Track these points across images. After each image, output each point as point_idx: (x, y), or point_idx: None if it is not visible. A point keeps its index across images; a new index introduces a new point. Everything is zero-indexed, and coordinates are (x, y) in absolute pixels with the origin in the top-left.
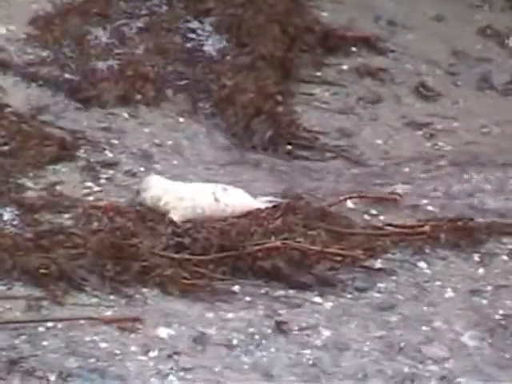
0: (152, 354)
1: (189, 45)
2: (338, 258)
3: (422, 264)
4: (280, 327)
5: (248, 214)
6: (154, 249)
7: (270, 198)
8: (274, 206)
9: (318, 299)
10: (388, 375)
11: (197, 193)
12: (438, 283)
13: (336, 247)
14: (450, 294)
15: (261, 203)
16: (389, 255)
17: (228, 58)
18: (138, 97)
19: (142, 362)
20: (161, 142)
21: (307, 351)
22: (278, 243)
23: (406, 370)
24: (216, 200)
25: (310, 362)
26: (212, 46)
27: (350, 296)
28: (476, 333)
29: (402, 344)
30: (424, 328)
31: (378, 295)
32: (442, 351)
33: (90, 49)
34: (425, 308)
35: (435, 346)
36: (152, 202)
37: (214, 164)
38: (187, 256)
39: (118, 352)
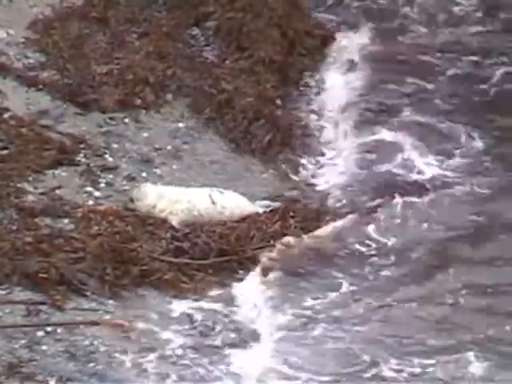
0: (151, 357)
1: (188, 50)
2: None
3: None
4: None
5: (246, 218)
6: (154, 253)
7: (267, 202)
8: (272, 210)
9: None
10: None
11: (193, 196)
12: None
13: None
14: None
15: (258, 207)
16: None
17: (227, 62)
18: (138, 101)
19: (142, 366)
20: (160, 146)
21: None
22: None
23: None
24: (213, 203)
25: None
26: (211, 50)
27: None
28: None
29: None
30: None
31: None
32: None
33: (89, 53)
34: None
35: None
36: (147, 209)
37: (213, 168)
38: (187, 260)
39: (117, 356)
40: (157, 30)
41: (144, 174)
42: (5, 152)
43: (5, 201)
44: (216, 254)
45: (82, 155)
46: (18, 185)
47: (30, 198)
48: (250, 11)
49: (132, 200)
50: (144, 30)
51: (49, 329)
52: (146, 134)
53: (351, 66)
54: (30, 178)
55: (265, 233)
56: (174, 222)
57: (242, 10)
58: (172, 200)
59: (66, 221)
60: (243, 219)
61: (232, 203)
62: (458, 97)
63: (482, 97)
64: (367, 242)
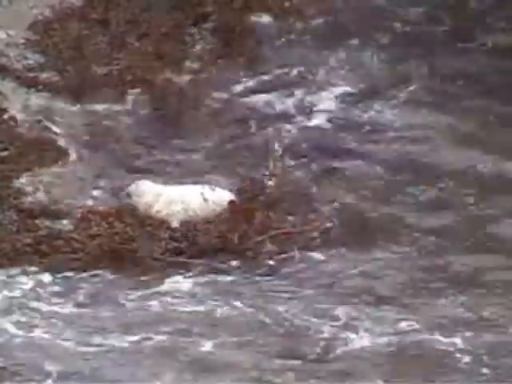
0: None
1: (187, 50)
2: None
3: None
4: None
5: (230, 211)
6: (153, 253)
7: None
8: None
9: None
10: None
11: (186, 195)
12: None
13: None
14: None
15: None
16: None
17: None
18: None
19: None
20: (159, 145)
21: None
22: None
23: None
24: (205, 200)
25: None
26: (207, 50)
27: None
28: None
29: None
30: None
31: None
32: None
33: (89, 54)
34: None
35: None
36: (144, 208)
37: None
38: (186, 260)
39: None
40: (156, 30)
41: (144, 174)
42: (4, 153)
43: (4, 202)
44: (214, 252)
45: (81, 155)
46: (18, 186)
47: (30, 199)
48: (249, 12)
49: (129, 195)
50: (144, 31)
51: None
52: (146, 134)
53: None
54: (30, 179)
55: (252, 225)
56: (174, 223)
57: (240, 10)
58: (167, 201)
59: (65, 222)
60: (228, 212)
61: (222, 199)
62: None
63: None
64: None
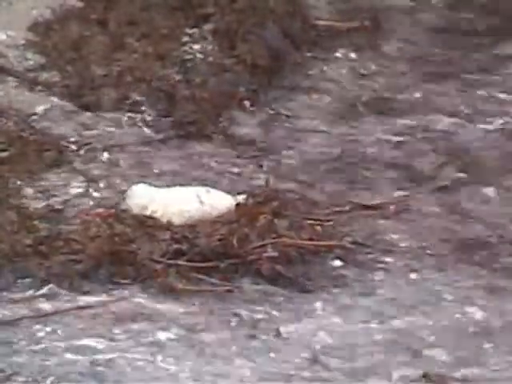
0: (150, 358)
1: (186, 51)
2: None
3: None
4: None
5: (233, 214)
6: (153, 255)
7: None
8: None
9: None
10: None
11: (182, 197)
12: None
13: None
14: None
15: (235, 199)
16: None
17: (210, 59)
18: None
19: (142, 367)
20: (161, 147)
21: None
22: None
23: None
24: (201, 203)
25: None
26: (203, 52)
27: None
28: None
29: None
30: None
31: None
32: None
33: (89, 55)
34: None
35: None
36: (139, 211)
37: (214, 169)
38: (187, 263)
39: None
40: (156, 31)
41: (143, 175)
42: (4, 154)
43: (4, 203)
44: (217, 256)
45: (81, 156)
46: (17, 187)
47: (29, 200)
48: (251, 13)
49: (124, 199)
50: (143, 32)
51: (48, 329)
52: (147, 136)
53: None
54: (29, 180)
55: (257, 229)
56: (171, 224)
57: (242, 12)
58: (162, 203)
59: (64, 223)
60: (230, 215)
61: (219, 202)
62: None
63: None
64: None
